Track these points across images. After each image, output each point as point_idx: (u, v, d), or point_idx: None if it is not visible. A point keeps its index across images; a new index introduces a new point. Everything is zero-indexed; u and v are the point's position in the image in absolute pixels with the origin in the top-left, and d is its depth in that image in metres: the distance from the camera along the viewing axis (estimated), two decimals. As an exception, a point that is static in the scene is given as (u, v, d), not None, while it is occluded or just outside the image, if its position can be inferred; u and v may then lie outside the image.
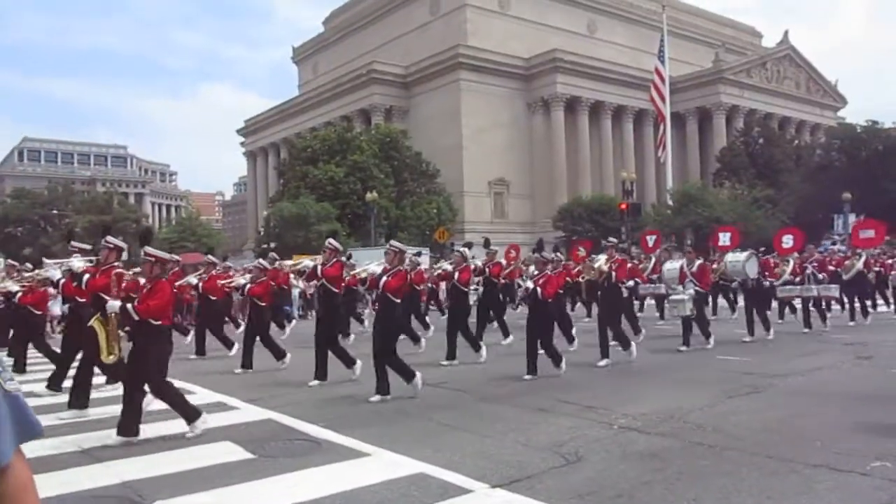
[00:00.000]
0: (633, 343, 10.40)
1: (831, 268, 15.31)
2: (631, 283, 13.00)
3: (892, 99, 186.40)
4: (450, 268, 11.83)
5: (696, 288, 11.62)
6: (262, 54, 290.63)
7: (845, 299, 15.75)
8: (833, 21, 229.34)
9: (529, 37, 59.82)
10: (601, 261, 10.60)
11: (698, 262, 12.13)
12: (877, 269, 17.25)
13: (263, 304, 10.92)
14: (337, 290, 9.37)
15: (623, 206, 35.17)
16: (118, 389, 8.87)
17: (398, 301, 7.98)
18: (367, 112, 59.31)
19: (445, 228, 40.42)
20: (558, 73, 56.95)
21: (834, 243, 29.19)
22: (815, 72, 68.89)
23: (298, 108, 69.53)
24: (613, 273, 10.31)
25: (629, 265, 13.18)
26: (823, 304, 14.55)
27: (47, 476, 4.78)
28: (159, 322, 6.24)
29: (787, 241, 14.13)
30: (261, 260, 11.66)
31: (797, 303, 14.81)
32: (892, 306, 17.69)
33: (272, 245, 37.97)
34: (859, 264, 15.32)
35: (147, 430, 6.21)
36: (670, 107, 47.43)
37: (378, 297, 8.27)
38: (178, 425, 6.41)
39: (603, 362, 9.87)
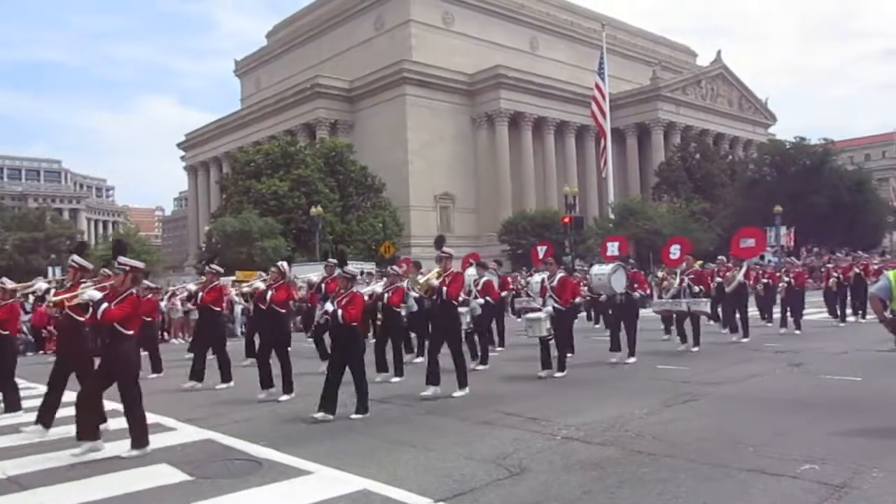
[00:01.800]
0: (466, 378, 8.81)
1: (719, 279, 14.62)
2: (482, 300, 11.50)
3: (820, 116, 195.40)
4: (262, 285, 10.01)
5: (556, 305, 10.07)
6: (206, 67, 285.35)
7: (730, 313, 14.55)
8: (764, 43, 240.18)
9: (473, 53, 60.55)
10: (431, 274, 8.95)
11: (560, 274, 10.33)
12: (765, 280, 16.45)
13: (6, 332, 8.86)
14: (82, 320, 7.05)
15: (566, 220, 35.73)
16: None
17: (130, 332, 6.29)
18: (312, 126, 58.90)
19: (391, 243, 40.34)
20: (502, 88, 57.77)
21: (762, 258, 29.87)
22: (747, 90, 71.80)
23: (241, 121, 68.57)
24: (445, 289, 8.57)
25: (488, 278, 12.18)
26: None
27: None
28: None
29: (675, 251, 13.50)
30: (5, 279, 9.16)
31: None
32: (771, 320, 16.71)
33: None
34: (740, 276, 14.32)
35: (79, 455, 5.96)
36: (610, 122, 48.61)
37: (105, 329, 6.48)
38: (108, 448, 6.18)
39: (430, 391, 8.48)
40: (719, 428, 6.42)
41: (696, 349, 12.40)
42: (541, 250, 17.85)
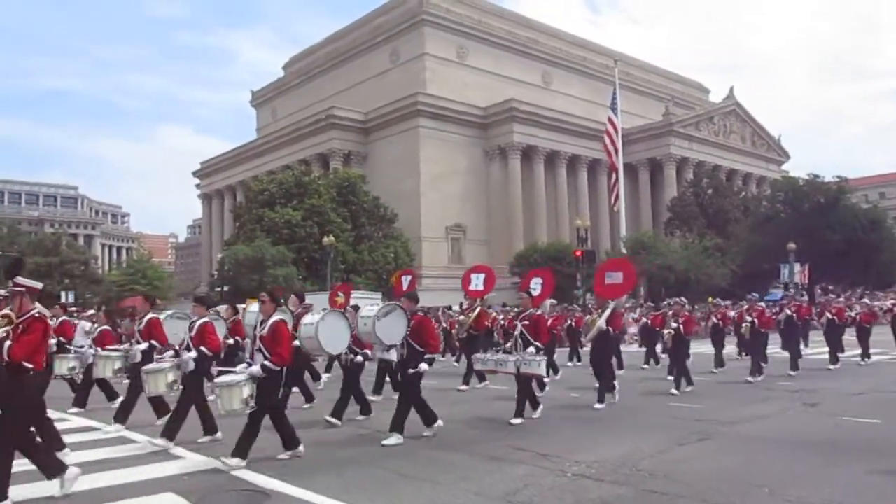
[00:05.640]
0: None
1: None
2: (194, 353, 8.04)
3: (831, 154, 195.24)
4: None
5: (266, 363, 6.77)
6: (222, 97, 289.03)
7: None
8: (776, 81, 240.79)
9: (486, 86, 61.19)
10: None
11: (274, 319, 6.98)
12: (676, 324, 12.48)
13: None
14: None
15: (578, 253, 35.64)
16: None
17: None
18: (326, 156, 59.46)
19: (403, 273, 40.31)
20: (515, 122, 58.20)
21: (786, 288, 29.31)
22: (760, 126, 71.88)
23: (256, 151, 69.36)
24: (8, 345, 5.56)
25: (207, 321, 8.35)
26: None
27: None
28: None
29: (535, 286, 11.25)
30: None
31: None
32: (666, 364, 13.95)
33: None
34: (601, 321, 10.93)
35: (82, 483, 5.91)
36: (623, 157, 48.72)
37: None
38: (113, 476, 6.13)
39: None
40: (734, 468, 6.29)
41: (515, 421, 8.85)
42: (405, 280, 13.67)
